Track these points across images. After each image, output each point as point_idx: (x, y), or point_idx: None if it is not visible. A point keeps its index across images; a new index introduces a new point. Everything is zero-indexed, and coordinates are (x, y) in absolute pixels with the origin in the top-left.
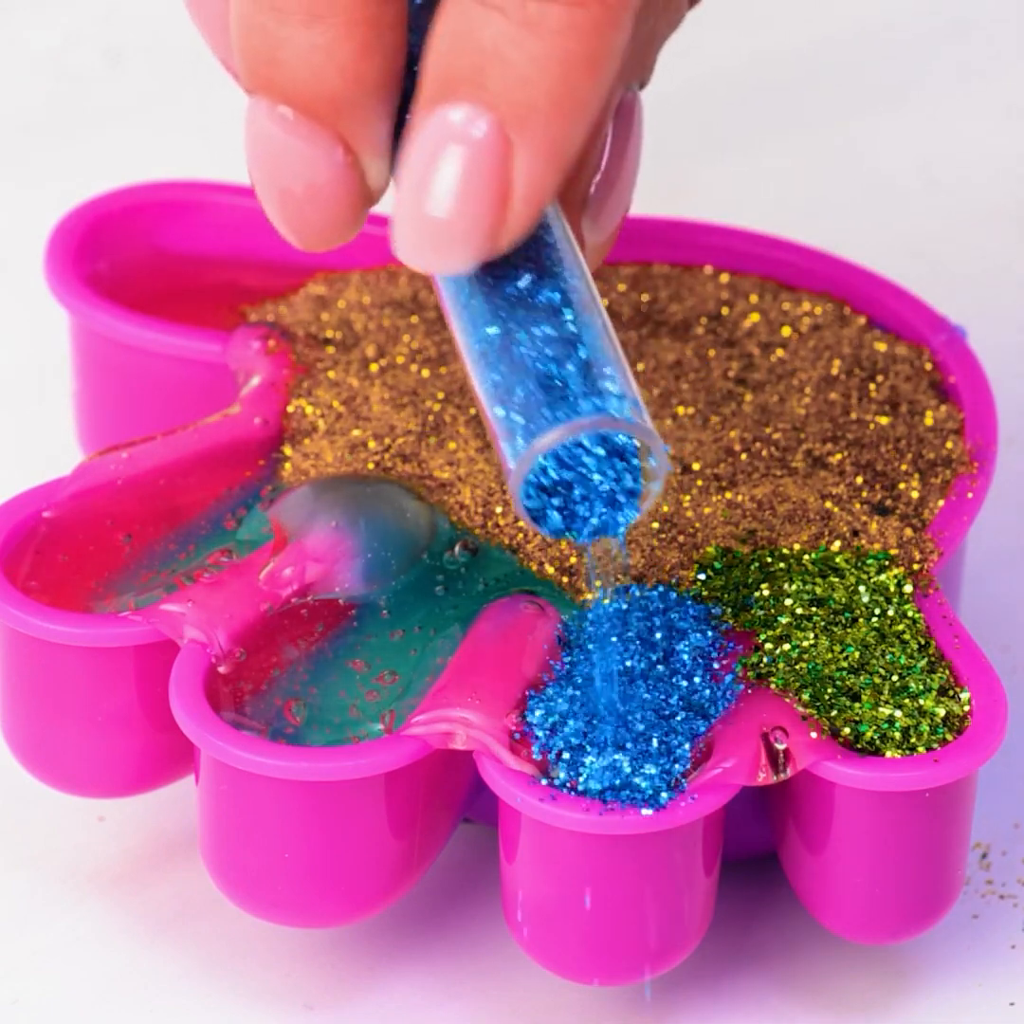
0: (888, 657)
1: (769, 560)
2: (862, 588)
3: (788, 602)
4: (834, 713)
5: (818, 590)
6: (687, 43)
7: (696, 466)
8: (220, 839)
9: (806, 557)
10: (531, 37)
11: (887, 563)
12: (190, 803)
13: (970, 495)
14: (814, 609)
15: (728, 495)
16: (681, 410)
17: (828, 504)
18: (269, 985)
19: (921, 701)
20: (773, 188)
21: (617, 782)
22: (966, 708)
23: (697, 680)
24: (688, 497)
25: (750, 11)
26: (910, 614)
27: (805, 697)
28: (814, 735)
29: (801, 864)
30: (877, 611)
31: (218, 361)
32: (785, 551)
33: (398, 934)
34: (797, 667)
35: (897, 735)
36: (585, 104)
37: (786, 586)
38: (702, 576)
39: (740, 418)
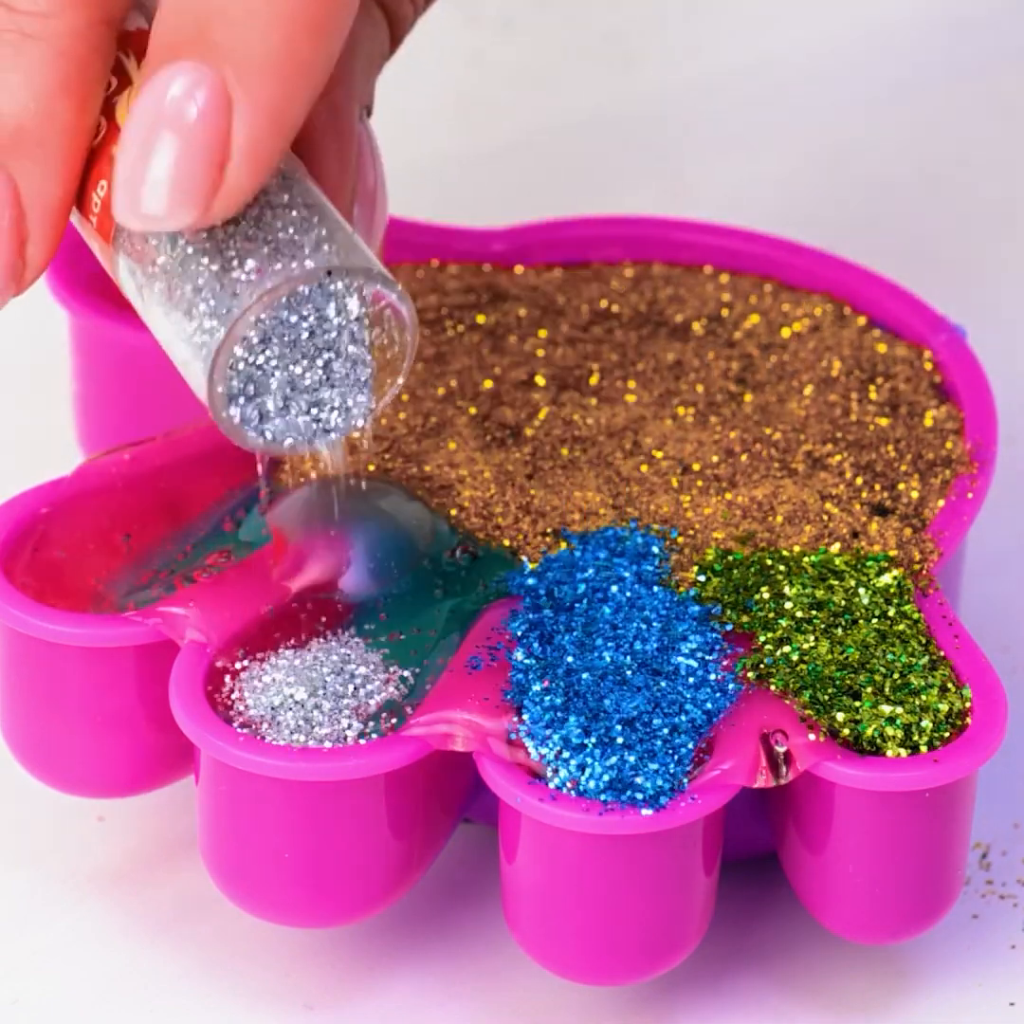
0: (889, 656)
1: (768, 562)
2: (862, 590)
3: (788, 605)
4: (834, 713)
5: (818, 594)
6: (687, 44)
7: (696, 466)
8: (220, 839)
9: (806, 560)
10: None
11: (887, 565)
12: (190, 803)
13: (970, 495)
14: (814, 612)
15: (728, 496)
16: (681, 410)
17: (828, 505)
18: (269, 985)
19: (923, 697)
20: (773, 188)
21: (619, 783)
22: (968, 704)
23: (698, 679)
24: (688, 498)
25: (750, 12)
26: (911, 614)
27: (805, 698)
28: (813, 737)
29: (801, 864)
30: (877, 612)
31: None
32: (785, 553)
33: (398, 934)
34: (797, 669)
35: (899, 733)
36: (308, 66)
37: (786, 589)
38: (701, 578)
39: (740, 419)
